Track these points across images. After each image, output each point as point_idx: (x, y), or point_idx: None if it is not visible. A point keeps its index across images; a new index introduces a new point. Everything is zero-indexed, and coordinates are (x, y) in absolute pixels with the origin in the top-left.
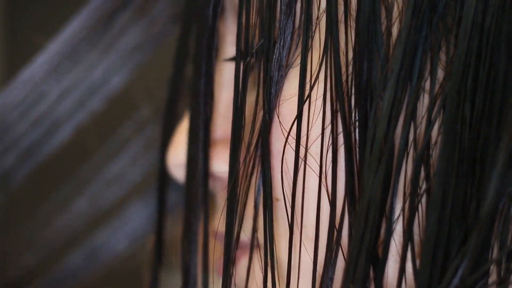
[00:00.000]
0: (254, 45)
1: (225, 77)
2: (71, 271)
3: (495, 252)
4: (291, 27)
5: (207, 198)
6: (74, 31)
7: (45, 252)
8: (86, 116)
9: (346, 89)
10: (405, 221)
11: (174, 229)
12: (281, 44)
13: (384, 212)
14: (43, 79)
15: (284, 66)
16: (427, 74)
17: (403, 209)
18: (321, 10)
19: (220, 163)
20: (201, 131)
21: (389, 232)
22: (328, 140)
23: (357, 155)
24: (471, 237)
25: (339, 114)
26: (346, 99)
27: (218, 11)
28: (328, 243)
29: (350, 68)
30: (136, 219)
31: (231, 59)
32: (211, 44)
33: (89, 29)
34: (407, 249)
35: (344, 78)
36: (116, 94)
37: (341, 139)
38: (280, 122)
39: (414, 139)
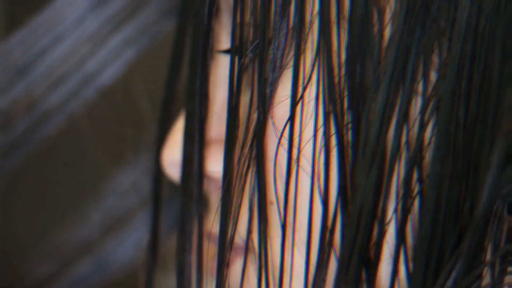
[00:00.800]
0: (249, 44)
1: (221, 76)
2: (80, 281)
3: (488, 255)
4: (286, 28)
5: (202, 198)
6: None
7: (57, 263)
8: (78, 106)
9: (338, 91)
10: (398, 223)
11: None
12: (276, 45)
13: (376, 214)
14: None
15: (279, 67)
16: (420, 76)
17: (396, 211)
18: (314, 13)
19: (214, 163)
20: (197, 131)
21: (381, 234)
22: (321, 142)
23: (350, 157)
24: (465, 240)
25: (331, 116)
26: (338, 101)
27: (213, 11)
28: (321, 244)
29: (343, 70)
30: (143, 226)
31: (226, 52)
32: (207, 44)
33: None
34: (399, 251)
35: (337, 80)
36: (113, 90)
37: (333, 140)
38: (274, 123)
39: (407, 141)
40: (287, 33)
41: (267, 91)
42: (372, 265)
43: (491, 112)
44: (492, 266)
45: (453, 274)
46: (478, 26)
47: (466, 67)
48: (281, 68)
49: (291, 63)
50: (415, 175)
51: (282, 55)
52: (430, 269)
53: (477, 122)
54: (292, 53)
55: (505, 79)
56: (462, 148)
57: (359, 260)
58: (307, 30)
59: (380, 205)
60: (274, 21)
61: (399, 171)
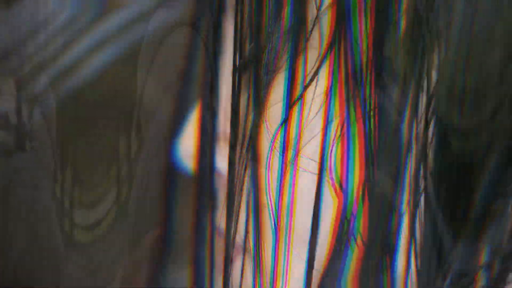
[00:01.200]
0: (247, 47)
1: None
2: None
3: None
4: (279, 31)
5: (213, 193)
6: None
7: None
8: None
9: (360, 79)
10: (409, 217)
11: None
12: (270, 48)
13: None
14: None
15: (272, 70)
16: (424, 73)
17: (408, 205)
18: (323, 7)
19: (221, 159)
20: (209, 124)
21: (397, 224)
22: (334, 133)
23: (371, 147)
24: (461, 240)
25: (351, 104)
26: (356, 90)
27: (223, 7)
28: (340, 235)
29: (365, 57)
30: None
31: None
32: (216, 39)
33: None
34: (411, 245)
35: (357, 68)
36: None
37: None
38: (267, 127)
39: (416, 136)
40: (280, 36)
41: (261, 93)
42: (390, 254)
43: (489, 113)
44: (491, 266)
45: (449, 276)
46: (473, 27)
47: (461, 69)
48: (274, 72)
49: (284, 66)
50: (421, 171)
51: (275, 58)
52: (435, 266)
53: (474, 122)
54: (285, 56)
55: (506, 80)
56: (459, 149)
57: (380, 248)
58: (311, 28)
59: (396, 196)
60: (268, 25)
61: (411, 165)
